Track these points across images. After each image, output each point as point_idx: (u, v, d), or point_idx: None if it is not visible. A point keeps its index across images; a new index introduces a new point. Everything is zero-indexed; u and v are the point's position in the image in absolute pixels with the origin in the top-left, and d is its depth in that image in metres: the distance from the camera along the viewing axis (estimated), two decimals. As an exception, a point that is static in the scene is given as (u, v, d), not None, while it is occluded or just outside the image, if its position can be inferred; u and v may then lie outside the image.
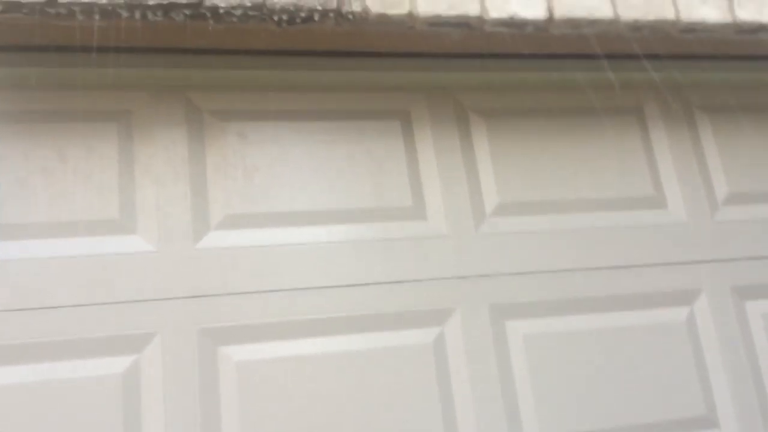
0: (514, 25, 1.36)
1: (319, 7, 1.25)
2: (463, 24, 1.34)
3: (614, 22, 1.41)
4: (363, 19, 1.28)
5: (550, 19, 1.37)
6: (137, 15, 1.18)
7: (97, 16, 1.17)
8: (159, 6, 1.18)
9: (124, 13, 1.18)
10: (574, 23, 1.38)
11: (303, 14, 1.26)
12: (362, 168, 1.40)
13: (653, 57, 1.56)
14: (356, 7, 1.27)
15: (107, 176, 1.27)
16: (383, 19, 1.29)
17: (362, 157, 1.41)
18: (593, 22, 1.39)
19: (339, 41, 1.35)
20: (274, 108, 1.39)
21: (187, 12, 1.20)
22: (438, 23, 1.32)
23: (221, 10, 1.21)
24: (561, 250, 1.43)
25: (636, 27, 1.42)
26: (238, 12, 1.22)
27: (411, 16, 1.30)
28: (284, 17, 1.26)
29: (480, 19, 1.33)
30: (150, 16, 1.19)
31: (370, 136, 1.43)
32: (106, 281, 1.21)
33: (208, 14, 1.21)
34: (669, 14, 1.45)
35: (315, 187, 1.36)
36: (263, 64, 1.37)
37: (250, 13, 1.23)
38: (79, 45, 1.23)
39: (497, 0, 1.35)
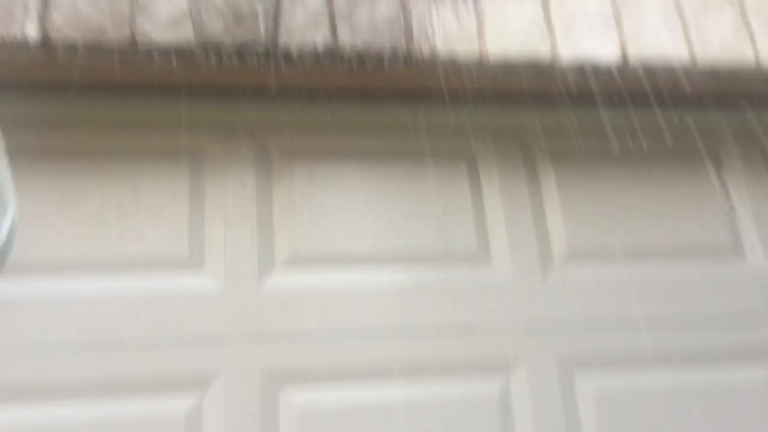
0: (585, 67, 1.35)
1: (389, 50, 1.27)
2: (534, 65, 1.34)
3: (690, 64, 1.39)
4: (432, 60, 1.29)
5: (624, 60, 1.35)
6: (212, 58, 1.22)
7: (174, 58, 1.21)
8: (233, 49, 1.22)
9: (200, 55, 1.22)
10: (647, 64, 1.36)
11: (373, 57, 1.28)
12: (427, 210, 1.40)
13: (731, 99, 1.52)
14: (425, 49, 1.28)
15: (178, 214, 1.30)
16: (452, 61, 1.30)
17: (428, 200, 1.41)
18: (668, 63, 1.37)
19: (407, 82, 1.36)
20: (342, 149, 1.40)
21: (261, 55, 1.23)
22: (507, 64, 1.32)
23: (293, 54, 1.24)
24: (632, 300, 1.39)
25: (713, 69, 1.39)
26: (310, 55, 1.25)
27: (480, 57, 1.31)
28: (354, 60, 1.28)
29: (551, 60, 1.33)
30: (225, 59, 1.23)
31: (436, 178, 1.43)
32: (173, 319, 1.24)
33: (281, 57, 1.24)
34: (748, 55, 1.41)
35: (380, 229, 1.37)
36: (332, 106, 1.39)
37: (322, 56, 1.26)
38: (156, 85, 1.28)
39: (569, 39, 1.34)
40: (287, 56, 1.24)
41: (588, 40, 1.35)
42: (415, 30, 1.29)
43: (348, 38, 1.26)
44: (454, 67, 1.31)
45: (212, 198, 1.33)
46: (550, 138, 1.50)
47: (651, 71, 1.37)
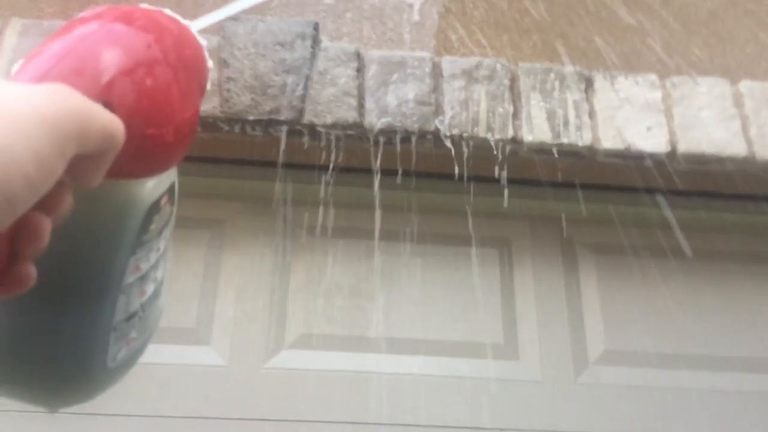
0: (630, 156, 1.30)
1: (417, 129, 1.26)
2: (572, 153, 1.30)
3: (748, 161, 1.31)
4: (461, 142, 1.28)
5: (672, 153, 1.29)
6: (236, 129, 1.25)
7: (199, 128, 1.24)
8: (258, 122, 1.24)
9: (225, 127, 1.25)
10: (699, 159, 1.30)
11: (400, 135, 1.27)
12: (454, 296, 1.35)
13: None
14: (455, 131, 1.27)
15: (191, 283, 1.30)
16: (483, 144, 1.28)
17: (455, 285, 1.36)
18: (722, 160, 1.30)
19: (437, 163, 1.34)
20: (366, 227, 1.39)
21: (286, 128, 1.25)
22: (544, 150, 1.29)
23: (318, 128, 1.25)
24: (672, 412, 1.28)
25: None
26: (335, 130, 1.26)
27: (515, 142, 1.28)
28: (381, 137, 1.28)
29: (591, 149, 1.29)
30: (249, 130, 1.25)
31: (466, 263, 1.38)
32: (176, 393, 1.22)
33: (305, 131, 1.26)
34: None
35: (401, 312, 1.32)
36: (357, 182, 1.39)
37: (348, 132, 1.26)
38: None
39: (611, 129, 1.30)
40: (312, 130, 1.25)
41: (633, 128, 1.30)
42: (446, 111, 1.28)
43: (375, 117, 1.27)
44: (484, 150, 1.29)
45: (228, 269, 1.33)
46: (590, 228, 1.44)
47: (703, 163, 1.31)
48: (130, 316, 0.70)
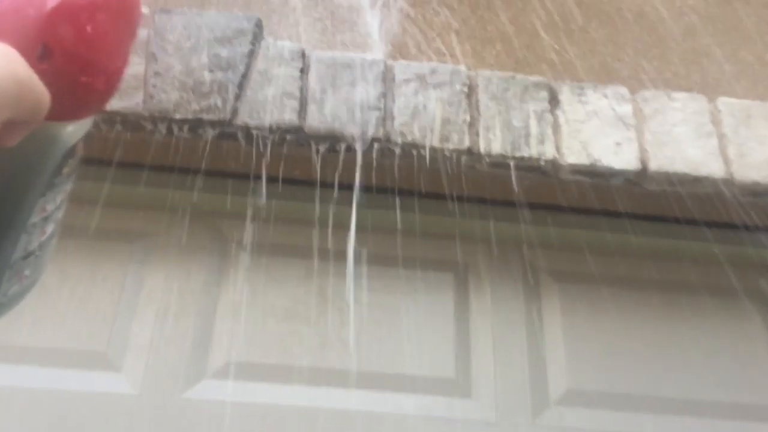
0: (597, 174, 1.20)
1: (363, 135, 1.16)
2: (534, 168, 1.20)
3: (726, 183, 1.22)
4: (412, 152, 1.17)
5: (643, 172, 1.19)
6: (162, 129, 1.14)
7: (119, 126, 1.13)
8: (185, 121, 1.13)
9: (148, 126, 1.13)
10: (672, 179, 1.20)
11: (344, 142, 1.17)
12: (401, 324, 1.23)
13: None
14: (405, 139, 1.16)
15: (104, 302, 1.17)
16: (436, 154, 1.17)
17: (403, 312, 1.24)
18: (698, 180, 1.21)
19: (385, 176, 1.23)
20: (305, 245, 1.27)
21: (215, 130, 1.14)
22: (503, 164, 1.19)
23: (253, 131, 1.14)
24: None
25: (755, 191, 1.22)
26: (272, 134, 1.15)
27: (471, 154, 1.18)
28: (323, 144, 1.17)
29: (554, 164, 1.19)
30: (176, 131, 1.14)
31: (416, 287, 1.27)
32: (79, 424, 1.08)
33: (239, 134, 1.15)
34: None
35: (340, 339, 1.20)
36: (297, 194, 1.27)
37: (286, 136, 1.16)
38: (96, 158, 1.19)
39: (576, 143, 1.20)
40: (246, 133, 1.14)
41: (600, 143, 1.21)
42: (396, 117, 1.18)
43: (318, 121, 1.16)
44: (440, 162, 1.19)
45: (147, 289, 1.20)
46: (556, 254, 1.33)
47: (675, 184, 1.21)
48: (28, 255, 0.70)
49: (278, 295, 1.22)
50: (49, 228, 0.72)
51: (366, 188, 1.26)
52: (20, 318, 1.14)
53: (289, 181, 1.26)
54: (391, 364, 1.19)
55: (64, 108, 0.59)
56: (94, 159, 1.21)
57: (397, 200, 1.29)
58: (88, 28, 0.59)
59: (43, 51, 0.55)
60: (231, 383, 1.14)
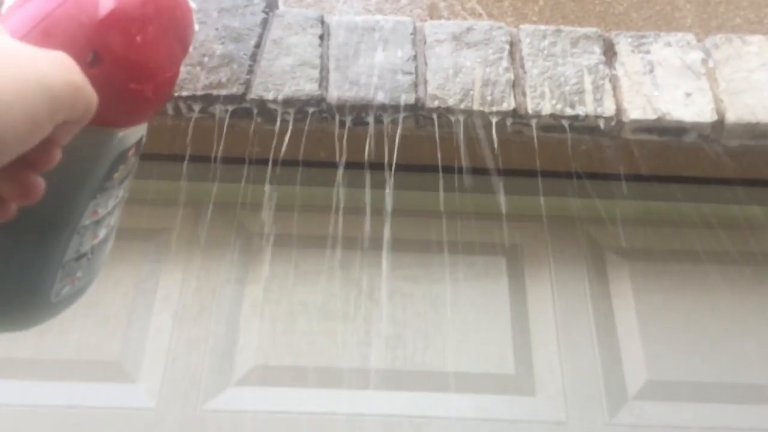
0: (666, 130, 1.06)
1: (393, 102, 1.04)
2: (591, 129, 1.06)
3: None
4: (449, 117, 1.05)
5: (719, 124, 1.05)
6: (169, 108, 1.04)
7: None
8: (194, 98, 1.03)
9: (155, 107, 1.04)
10: (754, 131, 1.05)
11: (373, 112, 1.05)
12: (449, 317, 1.10)
13: None
14: (441, 104, 1.04)
15: (117, 307, 1.07)
16: (478, 119, 1.05)
17: (450, 303, 1.11)
18: (784, 130, 1.06)
19: (421, 149, 1.11)
20: (338, 234, 1.15)
21: (227, 107, 1.04)
22: (555, 126, 1.06)
23: (269, 105, 1.03)
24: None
25: None
26: (291, 107, 1.04)
27: (517, 116, 1.05)
28: (349, 116, 1.05)
29: (616, 122, 1.05)
30: (184, 110, 1.04)
31: (464, 275, 1.14)
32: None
33: (254, 109, 1.04)
34: None
35: (382, 337, 1.07)
36: (323, 177, 1.16)
37: (307, 110, 1.05)
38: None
39: (639, 98, 1.07)
40: (262, 108, 1.04)
41: (667, 96, 1.07)
42: (430, 81, 1.06)
43: (341, 90, 1.05)
44: (481, 128, 1.06)
45: (163, 287, 1.09)
46: (623, 230, 1.18)
47: (758, 137, 1.06)
48: (80, 257, 0.73)
49: (309, 290, 1.11)
50: (102, 232, 0.76)
51: (400, 166, 1.15)
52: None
53: (313, 164, 1.14)
54: (439, 362, 1.06)
55: (114, 113, 0.63)
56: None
57: (440, 177, 1.18)
58: (138, 38, 0.64)
59: (93, 57, 0.60)
60: (259, 390, 1.02)
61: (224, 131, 1.07)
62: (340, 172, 1.10)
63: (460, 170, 1.16)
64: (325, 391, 1.03)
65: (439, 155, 1.10)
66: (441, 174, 1.14)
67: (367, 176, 1.13)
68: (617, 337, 1.10)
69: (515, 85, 1.07)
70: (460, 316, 1.10)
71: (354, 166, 1.10)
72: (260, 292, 1.10)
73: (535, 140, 1.07)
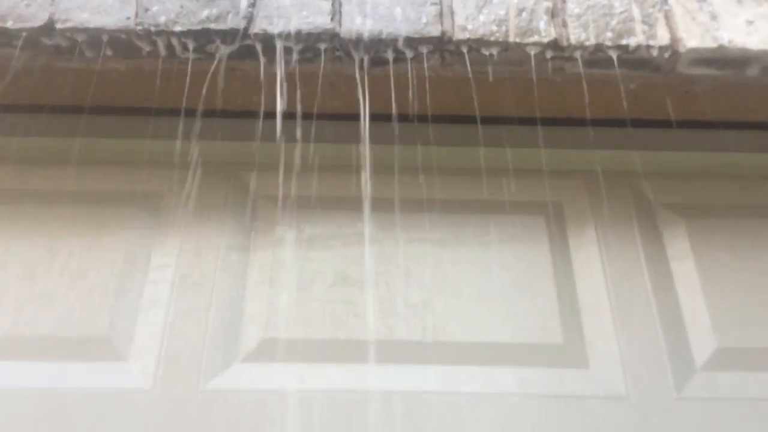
0: (727, 61, 0.95)
1: (415, 36, 0.93)
2: (643, 62, 0.95)
3: None
4: (480, 52, 0.94)
5: (787, 53, 0.94)
6: (161, 48, 0.93)
7: (107, 51, 0.93)
8: (189, 34, 0.92)
9: (145, 47, 0.93)
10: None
11: (393, 47, 0.94)
12: (484, 282, 0.98)
13: None
14: (471, 35, 0.93)
15: (106, 279, 0.96)
16: (513, 54, 0.94)
17: (484, 267, 0.99)
18: None
19: (448, 93, 1.00)
20: (355, 194, 1.04)
21: (227, 45, 0.93)
22: (600, 60, 0.94)
23: (275, 41, 0.93)
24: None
25: None
26: (300, 43, 0.93)
27: (557, 48, 0.94)
28: (366, 53, 0.94)
29: (669, 52, 0.93)
30: (178, 50, 0.93)
31: (498, 236, 1.02)
32: (72, 426, 0.86)
33: (257, 46, 0.93)
34: None
35: (409, 305, 0.95)
36: (343, 133, 1.05)
37: (318, 46, 0.94)
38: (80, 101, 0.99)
39: (694, 25, 0.95)
40: (268, 45, 0.93)
41: (726, 23, 0.95)
42: (457, 11, 0.95)
43: (357, 24, 0.94)
44: (512, 64, 0.95)
45: (160, 252, 0.98)
46: (676, 183, 1.07)
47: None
48: None
49: (324, 256, 0.99)
50: None
51: (423, 116, 1.04)
52: (1, 302, 0.93)
53: (327, 116, 1.04)
54: (476, 332, 0.94)
55: None
56: (78, 103, 1.02)
57: (466, 130, 1.07)
58: None
59: None
60: (270, 366, 0.90)
61: (223, 77, 0.96)
62: (363, 124, 0.99)
63: (494, 119, 1.05)
64: (345, 367, 0.91)
65: (464, 100, 0.99)
66: (473, 125, 1.04)
67: (391, 127, 1.02)
68: (678, 302, 0.98)
69: (554, 14, 0.96)
70: (496, 282, 0.98)
71: (375, 117, 0.99)
72: (269, 258, 0.98)
73: (582, 76, 0.96)
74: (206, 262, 0.97)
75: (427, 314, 0.95)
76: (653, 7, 0.97)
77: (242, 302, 0.95)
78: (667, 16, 0.96)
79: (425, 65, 0.95)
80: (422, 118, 1.03)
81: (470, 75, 0.94)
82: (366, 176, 1.04)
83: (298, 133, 1.01)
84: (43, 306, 0.93)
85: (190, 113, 1.02)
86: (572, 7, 0.96)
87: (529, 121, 1.06)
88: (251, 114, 1.02)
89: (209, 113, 1.03)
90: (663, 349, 0.93)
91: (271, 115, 1.00)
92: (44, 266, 0.96)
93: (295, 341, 0.92)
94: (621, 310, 0.96)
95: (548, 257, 1.00)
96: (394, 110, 0.98)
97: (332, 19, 0.93)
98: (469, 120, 1.05)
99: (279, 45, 0.92)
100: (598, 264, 1.00)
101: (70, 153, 1.05)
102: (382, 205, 1.03)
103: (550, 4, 0.96)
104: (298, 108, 0.97)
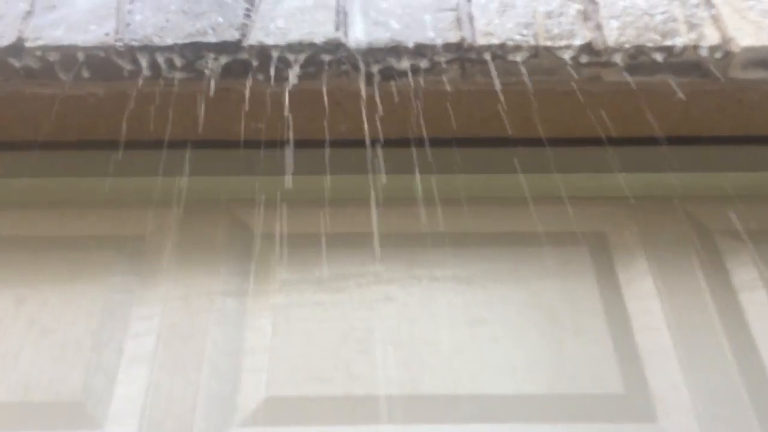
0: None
1: (433, 43, 0.83)
2: (690, 66, 0.85)
3: None
4: (505, 58, 0.84)
5: None
6: (145, 67, 0.83)
7: (83, 73, 0.83)
8: (175, 49, 0.82)
9: (126, 66, 0.83)
10: None
11: (407, 57, 0.84)
12: (529, 322, 0.85)
13: None
14: (495, 39, 0.84)
15: (80, 334, 0.83)
16: (546, 59, 0.84)
17: (525, 305, 0.86)
18: None
19: (470, 111, 0.90)
20: (369, 230, 0.92)
21: (219, 59, 0.83)
22: (642, 64, 0.84)
23: (272, 52, 0.83)
24: None
25: None
26: (300, 54, 0.83)
27: (592, 52, 0.84)
28: (375, 65, 0.85)
29: (722, 54, 0.84)
30: (164, 69, 0.84)
31: (536, 270, 0.89)
32: None
33: (252, 60, 0.84)
34: None
35: (436, 354, 0.82)
36: (351, 161, 0.94)
37: (322, 58, 0.84)
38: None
39: (747, 24, 0.86)
40: (263, 57, 0.83)
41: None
42: (478, 17, 0.86)
43: (365, 33, 0.85)
44: (548, 72, 0.85)
45: (145, 305, 0.86)
46: (738, 206, 0.95)
47: None
48: None
49: (335, 299, 0.86)
50: None
51: (437, 140, 0.93)
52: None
53: (334, 143, 0.93)
54: (517, 383, 0.80)
55: None
56: (52, 137, 0.92)
57: (493, 154, 0.95)
58: None
59: None
60: (276, 431, 0.77)
61: (213, 99, 0.86)
62: (369, 152, 0.89)
63: (523, 140, 0.94)
64: (364, 429, 0.77)
65: (489, 118, 0.89)
66: (499, 148, 0.93)
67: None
68: (753, 340, 0.84)
69: (586, 17, 0.87)
70: (536, 323, 0.85)
71: (388, 143, 0.89)
72: (270, 304, 0.85)
73: (616, 90, 0.86)
74: (197, 310, 0.84)
75: (457, 363, 0.81)
76: (696, 6, 0.88)
77: (240, 356, 0.82)
78: (714, 15, 0.87)
79: (444, 78, 0.85)
80: (436, 141, 0.92)
81: (498, 86, 0.84)
82: (373, 209, 0.92)
83: (306, 163, 0.91)
84: (5, 367, 0.80)
85: (176, 145, 0.92)
86: (605, 10, 0.87)
87: (560, 142, 0.95)
88: (246, 143, 0.92)
89: (198, 144, 0.93)
90: (744, 396, 0.79)
91: (270, 144, 0.90)
92: (9, 319, 0.83)
93: (303, 400, 0.78)
94: (687, 351, 0.82)
95: (596, 294, 0.88)
96: (411, 124, 0.87)
97: (337, 29, 0.84)
98: (488, 143, 0.95)
99: (275, 56, 0.83)
100: (655, 299, 0.87)
101: (41, 193, 0.94)
102: (398, 241, 0.91)
103: (580, 7, 0.87)
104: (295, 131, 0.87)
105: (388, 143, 0.89)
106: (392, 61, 0.84)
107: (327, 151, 0.90)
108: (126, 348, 0.82)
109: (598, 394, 0.80)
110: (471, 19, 0.86)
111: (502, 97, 0.85)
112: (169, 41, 0.82)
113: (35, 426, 0.76)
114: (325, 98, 0.86)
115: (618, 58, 0.83)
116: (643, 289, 0.88)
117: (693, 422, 0.77)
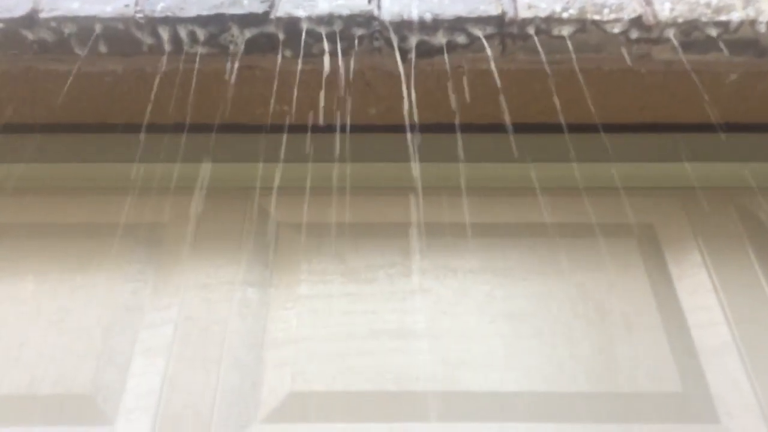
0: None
1: (472, 16, 0.79)
2: (744, 43, 0.80)
3: None
4: (551, 33, 0.79)
5: None
6: (165, 41, 0.79)
7: (101, 47, 0.79)
8: (198, 21, 0.78)
9: (147, 40, 0.79)
10: None
11: (444, 33, 0.80)
12: (575, 316, 0.79)
13: None
14: (529, 12, 0.79)
15: (91, 325, 0.78)
16: (594, 35, 0.79)
17: (570, 299, 0.80)
18: None
19: (516, 91, 0.85)
20: (401, 219, 0.87)
21: (244, 33, 0.79)
22: (696, 41, 0.79)
23: (302, 24, 0.79)
24: None
25: None
26: (331, 27, 0.79)
27: (642, 27, 0.79)
28: (410, 41, 0.80)
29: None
30: (186, 44, 0.79)
31: (580, 263, 0.84)
32: None
33: (280, 33, 0.79)
34: None
35: (472, 350, 0.76)
36: (383, 145, 0.89)
37: (353, 32, 0.80)
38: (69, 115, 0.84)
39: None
40: (292, 31, 0.79)
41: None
42: (518, -8, 0.82)
43: (399, 4, 0.81)
44: (595, 47, 0.81)
45: (160, 296, 0.80)
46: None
47: None
48: None
49: (363, 292, 0.81)
50: None
51: (474, 126, 0.88)
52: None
53: (362, 128, 0.88)
54: (564, 380, 0.74)
55: None
56: (67, 119, 0.88)
57: (545, 141, 0.90)
58: None
59: None
60: (300, 428, 0.70)
61: (238, 77, 0.82)
62: (409, 137, 0.84)
63: (571, 126, 0.89)
64: (398, 427, 0.71)
65: (526, 101, 0.84)
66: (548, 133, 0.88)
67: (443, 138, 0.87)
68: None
69: (635, -9, 0.82)
70: (582, 317, 0.79)
71: (422, 127, 0.84)
72: (295, 295, 0.80)
73: (666, 70, 0.81)
74: (218, 301, 0.79)
75: (498, 358, 0.75)
76: (750, -20, 0.83)
77: (262, 349, 0.76)
78: (768, -10, 0.82)
79: (489, 53, 0.80)
80: (467, 127, 0.87)
81: (545, 63, 0.79)
82: (419, 199, 0.87)
83: (337, 149, 0.86)
84: (13, 360, 0.75)
85: (197, 128, 0.87)
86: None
87: (603, 128, 0.90)
88: (271, 127, 0.87)
89: (220, 128, 0.88)
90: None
91: (299, 128, 0.86)
92: (17, 308, 0.78)
93: (330, 395, 0.72)
94: (749, 348, 0.76)
95: (647, 287, 0.82)
96: (453, 105, 0.82)
97: (369, 2, 0.80)
98: (524, 128, 0.89)
99: (305, 28, 0.78)
100: (711, 294, 0.81)
101: (55, 179, 0.90)
102: (431, 231, 0.86)
103: (628, -20, 0.83)
104: (328, 116, 0.82)
105: (422, 128, 0.84)
106: (428, 37, 0.79)
107: (349, 136, 0.86)
108: (140, 338, 0.77)
109: (654, 392, 0.73)
110: (512, -8, 0.81)
111: (549, 74, 0.80)
112: (193, 13, 0.78)
113: (40, 420, 0.71)
114: (352, 83, 0.82)
115: (670, 34, 0.79)
116: (697, 283, 0.82)
117: (760, 422, 0.71)
